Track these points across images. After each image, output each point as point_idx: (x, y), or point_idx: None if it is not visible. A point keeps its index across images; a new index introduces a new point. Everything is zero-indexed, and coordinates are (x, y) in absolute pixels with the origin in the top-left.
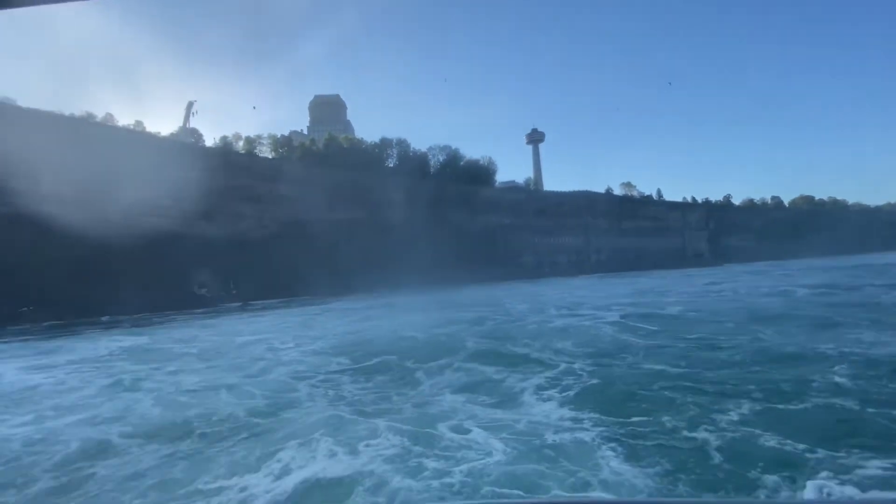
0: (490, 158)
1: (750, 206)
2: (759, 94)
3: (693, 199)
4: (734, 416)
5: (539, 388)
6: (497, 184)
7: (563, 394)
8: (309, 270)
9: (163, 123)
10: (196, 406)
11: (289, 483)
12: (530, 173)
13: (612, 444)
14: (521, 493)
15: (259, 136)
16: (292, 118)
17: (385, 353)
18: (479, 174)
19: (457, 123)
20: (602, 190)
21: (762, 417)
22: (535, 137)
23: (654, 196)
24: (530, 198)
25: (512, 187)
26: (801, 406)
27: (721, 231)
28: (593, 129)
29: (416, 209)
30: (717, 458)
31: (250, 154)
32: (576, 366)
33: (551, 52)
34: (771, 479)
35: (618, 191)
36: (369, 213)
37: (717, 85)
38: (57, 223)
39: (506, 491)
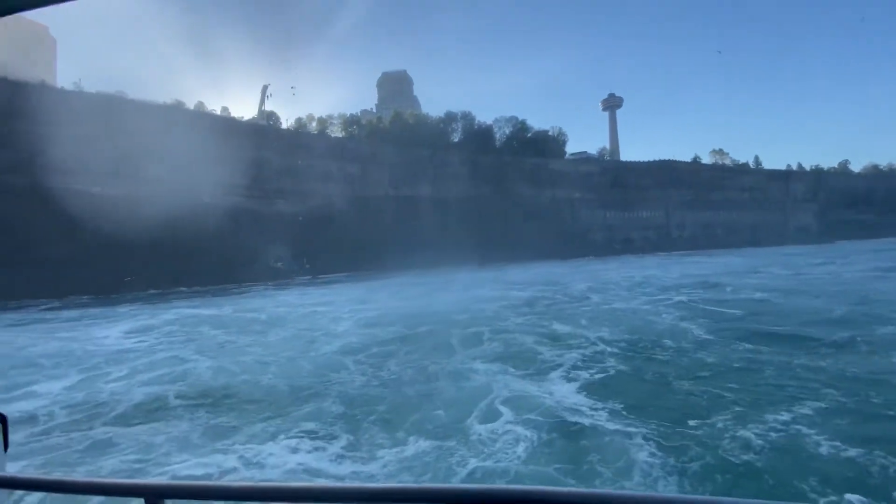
0: (560, 129)
1: (874, 173)
2: (883, 41)
3: (799, 166)
4: (775, 426)
5: (571, 370)
6: (567, 155)
7: (592, 379)
8: (374, 246)
9: (243, 107)
10: (245, 375)
11: (307, 459)
12: (605, 143)
13: (632, 436)
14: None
15: (330, 116)
16: (363, 96)
17: (431, 331)
18: (548, 145)
19: (526, 94)
20: (688, 159)
21: (818, 429)
22: (612, 103)
23: (751, 164)
24: (604, 169)
25: (583, 158)
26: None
27: (833, 203)
28: (679, 91)
29: (479, 184)
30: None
31: (321, 134)
32: (615, 351)
33: (629, 8)
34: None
35: (707, 159)
36: (433, 188)
37: (831, 34)
38: (154, 203)
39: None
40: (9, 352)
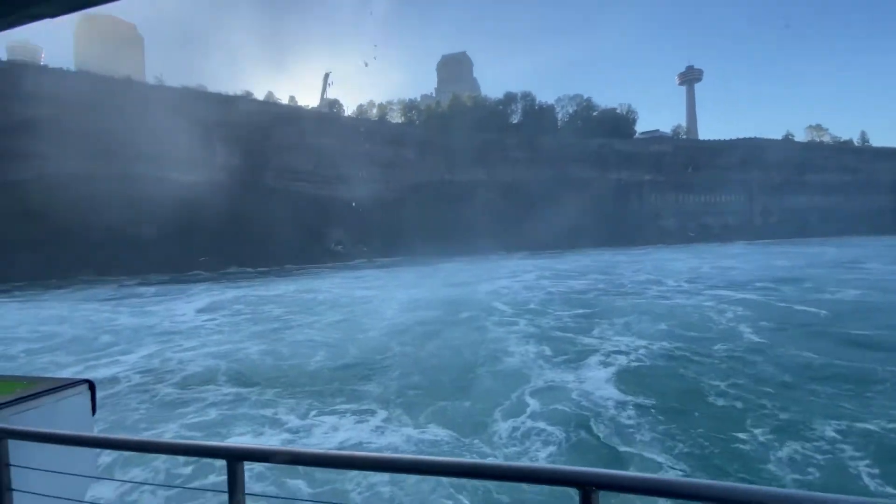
0: (629, 106)
1: None
2: None
3: None
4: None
5: (605, 368)
6: (637, 135)
7: (626, 380)
8: (428, 231)
9: (308, 95)
10: (298, 353)
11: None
12: (682, 120)
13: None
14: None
15: (390, 102)
16: (425, 79)
17: (472, 317)
18: (616, 124)
19: (594, 72)
20: (778, 136)
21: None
22: (690, 76)
23: (856, 141)
24: (677, 149)
25: (654, 137)
26: None
27: None
28: (767, 62)
29: (538, 167)
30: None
31: (380, 120)
32: (659, 353)
33: None
34: None
35: (801, 137)
36: (489, 172)
37: None
38: (223, 188)
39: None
40: (100, 323)
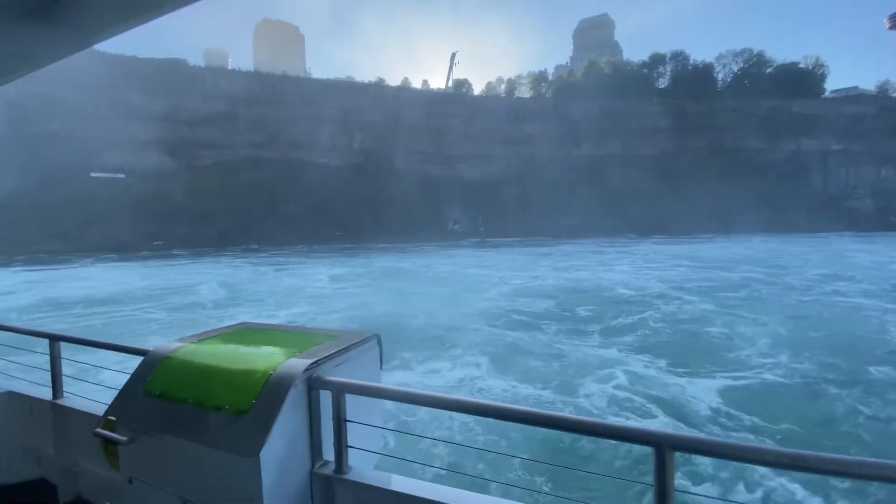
0: (817, 58)
1: None
2: None
3: None
4: None
5: (725, 380)
6: (827, 94)
7: (747, 400)
8: (545, 211)
9: (440, 77)
10: (410, 317)
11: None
12: (891, 75)
13: None
14: None
15: (519, 77)
16: (560, 50)
17: (589, 310)
18: (799, 82)
19: (771, 22)
20: None
21: None
22: None
23: None
24: (882, 109)
25: (849, 96)
26: None
27: None
28: None
29: (685, 137)
30: None
31: (498, 96)
32: (801, 373)
33: None
34: None
35: None
36: (623, 145)
37: None
38: (360, 170)
39: None
40: (263, 285)
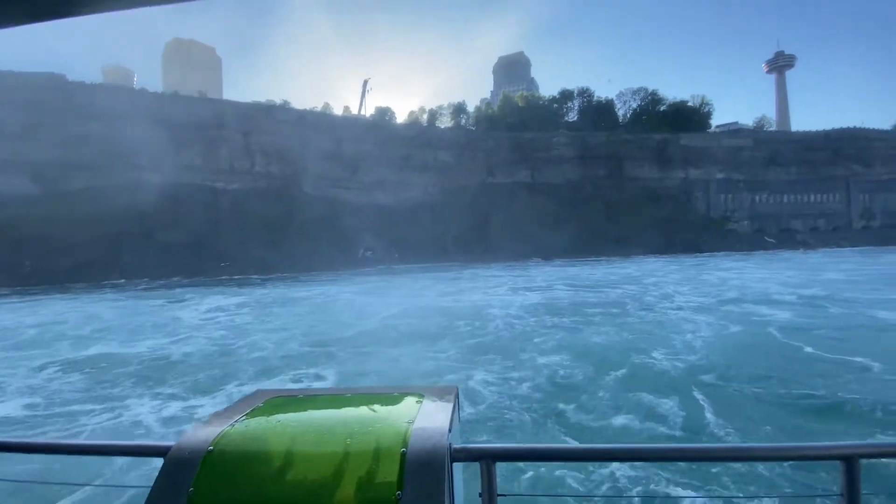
0: (703, 97)
1: None
2: None
3: None
4: None
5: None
6: (713, 128)
7: None
8: (460, 236)
9: (372, 104)
10: (241, 348)
11: None
12: (771, 112)
13: None
14: None
15: (440, 107)
16: (480, 82)
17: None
18: (688, 119)
19: (669, 64)
20: (887, 126)
21: None
22: (780, 63)
23: None
24: (757, 143)
25: (728, 131)
26: None
27: None
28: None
29: (589, 167)
30: None
31: (411, 124)
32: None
33: None
34: None
35: None
36: (533, 173)
37: None
38: (262, 194)
39: None
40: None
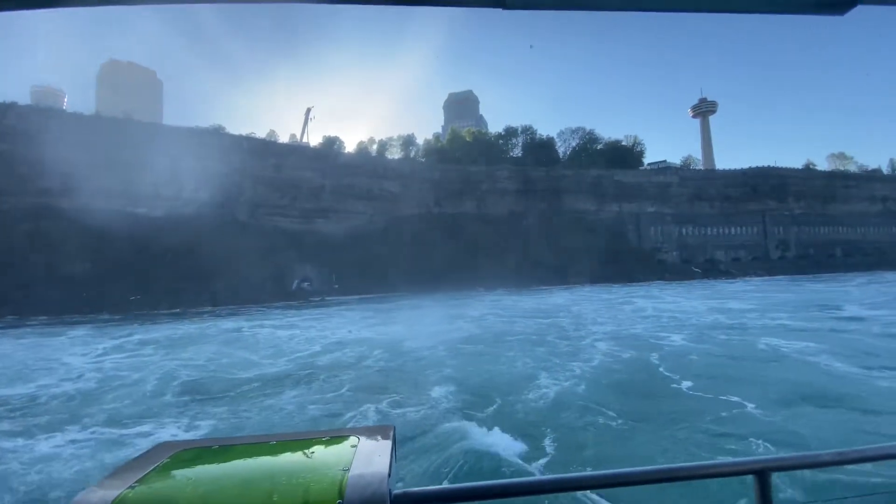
0: (635, 137)
1: None
2: None
3: None
4: None
5: None
6: (645, 165)
7: None
8: (406, 266)
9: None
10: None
11: None
12: (696, 151)
13: None
14: None
15: (390, 139)
16: (432, 117)
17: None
18: (622, 157)
19: (607, 107)
20: (798, 165)
21: None
22: (704, 109)
23: (886, 170)
24: (683, 180)
25: (657, 168)
26: None
27: None
28: (785, 92)
29: (530, 200)
30: None
31: (361, 154)
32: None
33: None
34: None
35: (823, 165)
36: (478, 205)
37: None
38: (188, 222)
39: None
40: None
